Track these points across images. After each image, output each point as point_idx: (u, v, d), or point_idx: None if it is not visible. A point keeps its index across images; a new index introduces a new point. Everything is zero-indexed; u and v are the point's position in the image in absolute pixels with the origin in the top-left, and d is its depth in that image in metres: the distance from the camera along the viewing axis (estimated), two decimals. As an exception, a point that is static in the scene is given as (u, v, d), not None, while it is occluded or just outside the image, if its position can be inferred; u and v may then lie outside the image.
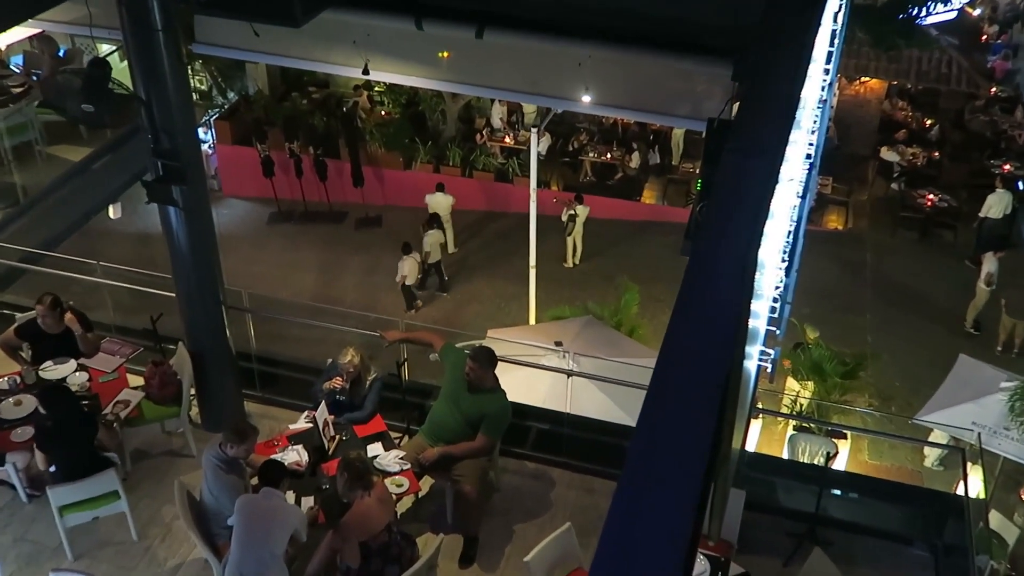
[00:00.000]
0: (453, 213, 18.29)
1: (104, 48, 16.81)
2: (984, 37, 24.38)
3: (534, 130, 13.82)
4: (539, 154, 15.13)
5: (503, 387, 7.76)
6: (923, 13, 17.87)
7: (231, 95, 21.11)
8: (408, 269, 16.40)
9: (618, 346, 11.46)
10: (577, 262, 18.29)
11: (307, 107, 20.42)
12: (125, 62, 7.55)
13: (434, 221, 17.17)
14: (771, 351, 5.27)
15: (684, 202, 19.46)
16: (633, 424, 3.15)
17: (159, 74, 7.33)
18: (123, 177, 14.40)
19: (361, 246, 18.41)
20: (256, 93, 20.94)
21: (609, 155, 20.26)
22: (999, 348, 15.83)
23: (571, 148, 20.60)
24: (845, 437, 12.50)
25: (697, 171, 18.97)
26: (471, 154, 19.91)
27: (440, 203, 18.11)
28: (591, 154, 20.33)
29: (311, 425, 8.01)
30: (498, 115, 20.69)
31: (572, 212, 17.77)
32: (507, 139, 20.16)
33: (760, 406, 11.32)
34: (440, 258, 17.15)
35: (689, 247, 5.14)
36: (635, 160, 20.11)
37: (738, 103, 6.28)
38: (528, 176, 14.68)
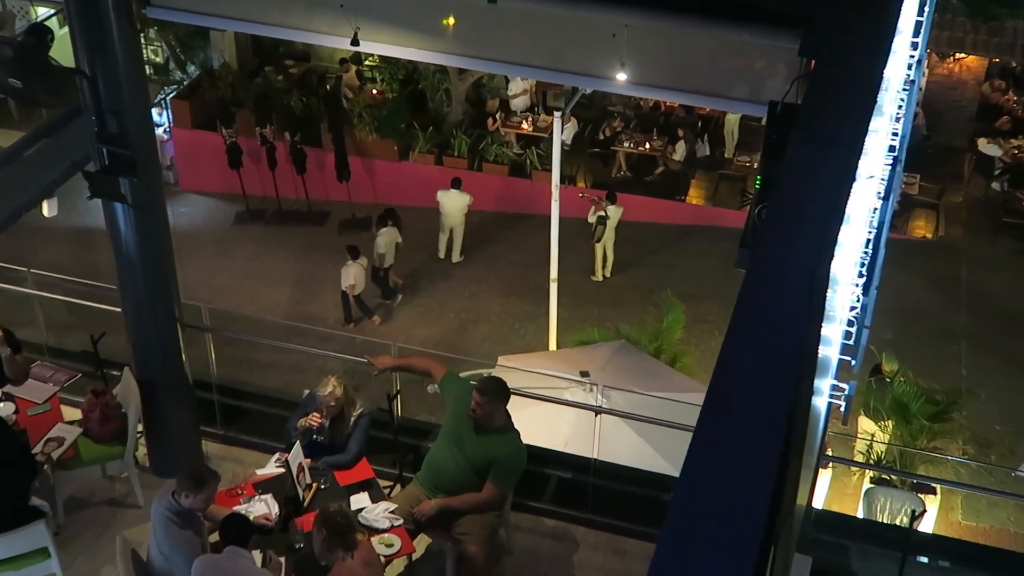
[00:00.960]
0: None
1: (41, 12, 16.91)
2: (1106, 6, 24.33)
3: (557, 115, 13.85)
4: (563, 143, 15.05)
5: (517, 426, 7.73)
6: (1031, -24, 17.85)
7: (192, 69, 21.22)
8: (355, 277, 16.57)
9: (658, 378, 11.45)
10: (608, 275, 18.28)
11: (283, 84, 20.50)
12: (65, 28, 7.59)
13: (389, 217, 17.21)
14: (845, 386, 5.22)
15: (739, 203, 19.40)
16: (675, 473, 3.24)
17: (106, 43, 7.37)
18: (61, 167, 14.44)
19: (346, 254, 18.17)
20: (222, 67, 21.02)
21: (648, 145, 20.12)
22: (1123, 385, 15.69)
23: (602, 136, 20.54)
24: (934, 492, 12.42)
25: (756, 166, 18.50)
26: (481, 143, 19.89)
27: (454, 203, 18.21)
28: (626, 144, 20.20)
29: (283, 470, 7.98)
30: (520, 87, 20.56)
31: (602, 214, 17.65)
32: (525, 125, 20.23)
33: (831, 453, 11.29)
34: (393, 262, 17.28)
35: (746, 258, 5.53)
36: (680, 151, 19.95)
37: (807, 83, 6.34)
38: (549, 170, 14.68)
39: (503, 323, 17.10)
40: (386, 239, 17.03)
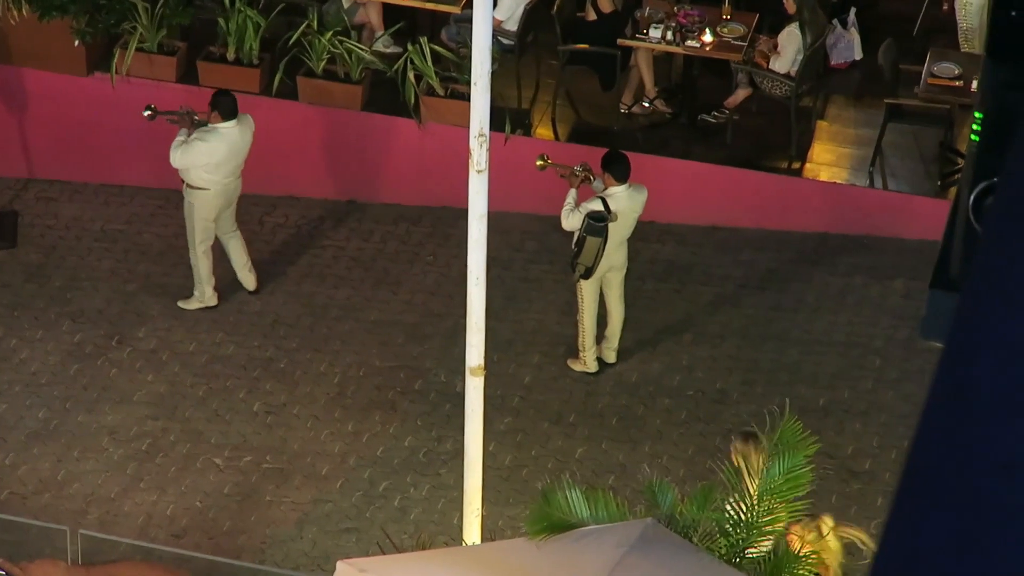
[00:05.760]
0: (244, 198, 12.15)
1: None
2: None
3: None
4: (501, 32, 11.77)
5: None
6: None
7: None
8: None
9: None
10: (613, 358, 12.10)
11: None
12: None
13: None
14: None
15: (936, 182, 12.69)
16: None
17: None
18: None
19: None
20: None
21: (709, 38, 12.96)
22: None
23: (596, 16, 13.00)
24: None
25: (972, 88, 12.05)
26: (293, 31, 12.83)
27: (227, 148, 11.75)
28: (654, 32, 12.95)
29: None
30: None
31: (596, 207, 11.45)
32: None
33: None
34: None
35: (945, 315, 4.26)
36: (787, 53, 12.67)
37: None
38: (463, 98, 10.92)
39: (351, 479, 11.61)
40: None
